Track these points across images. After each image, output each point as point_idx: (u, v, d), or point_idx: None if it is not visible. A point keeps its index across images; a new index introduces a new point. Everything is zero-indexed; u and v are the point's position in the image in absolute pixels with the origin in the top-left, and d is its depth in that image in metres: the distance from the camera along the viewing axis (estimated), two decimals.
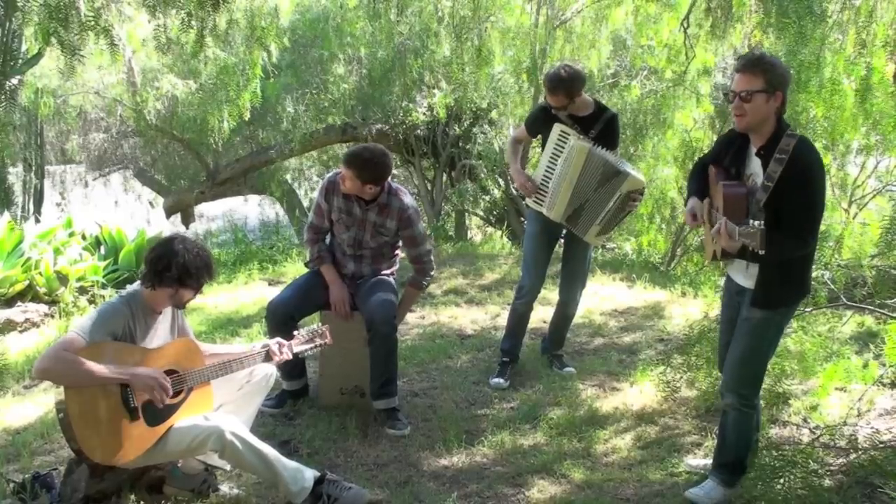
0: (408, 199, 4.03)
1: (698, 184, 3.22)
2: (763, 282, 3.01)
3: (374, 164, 3.81)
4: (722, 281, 3.33)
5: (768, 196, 2.87)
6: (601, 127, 4.29)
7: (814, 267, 3.22)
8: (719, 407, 3.43)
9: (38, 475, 3.14)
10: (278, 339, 3.42)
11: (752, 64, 2.89)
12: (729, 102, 3.00)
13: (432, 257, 4.18)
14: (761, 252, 2.76)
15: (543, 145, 4.37)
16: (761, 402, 3.97)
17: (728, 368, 3.17)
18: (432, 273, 4.23)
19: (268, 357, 3.34)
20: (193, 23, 4.99)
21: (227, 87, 8.13)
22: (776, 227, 2.84)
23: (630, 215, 4.67)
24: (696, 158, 8.82)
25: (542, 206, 4.32)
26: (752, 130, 2.97)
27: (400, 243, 4.18)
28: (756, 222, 2.78)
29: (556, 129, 4.22)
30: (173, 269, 3.02)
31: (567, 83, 4.15)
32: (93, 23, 4.50)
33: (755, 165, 2.97)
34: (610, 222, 4.29)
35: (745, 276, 3.09)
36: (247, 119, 8.46)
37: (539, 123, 4.43)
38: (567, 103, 4.21)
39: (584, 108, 4.32)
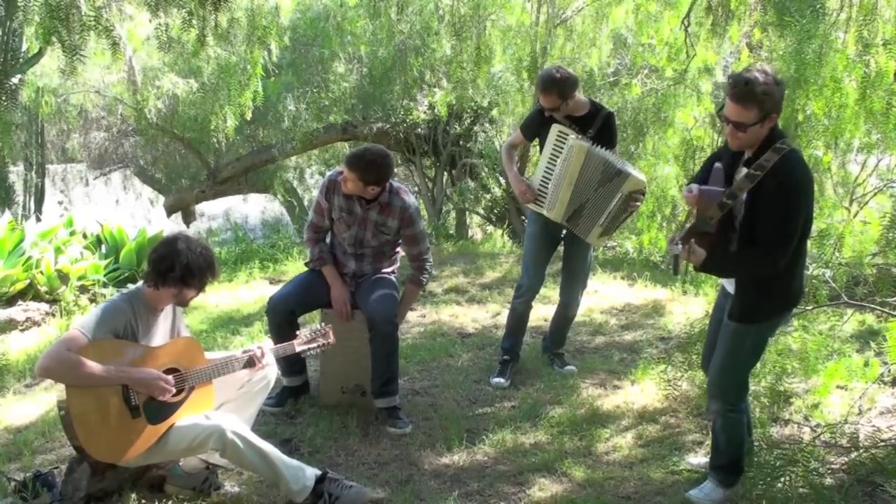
0: (409, 199, 4.03)
1: (702, 173, 3.22)
2: (739, 295, 2.99)
3: (376, 165, 3.81)
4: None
5: (747, 209, 2.83)
6: (599, 125, 4.29)
7: (815, 265, 3.21)
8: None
9: (40, 474, 3.14)
10: (259, 345, 3.40)
11: (745, 97, 2.75)
12: (723, 123, 2.91)
13: (430, 255, 4.19)
14: (675, 275, 2.79)
15: (541, 148, 4.36)
16: (763, 399, 3.99)
17: (711, 374, 3.17)
18: (431, 270, 4.23)
19: (249, 363, 3.29)
20: (195, 21, 4.99)
21: (228, 86, 8.12)
22: (751, 242, 2.84)
23: (631, 216, 4.67)
24: (696, 157, 8.88)
25: (542, 207, 4.32)
26: (747, 150, 2.95)
27: (401, 241, 4.19)
28: (678, 245, 2.78)
29: (554, 129, 4.21)
30: (177, 269, 3.02)
31: (560, 84, 4.15)
32: (94, 22, 4.50)
33: (742, 174, 2.97)
34: (612, 223, 4.28)
35: (731, 283, 3.09)
36: (248, 118, 8.46)
37: (535, 126, 4.43)
38: (559, 104, 4.20)
39: (579, 108, 4.31)
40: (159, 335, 3.18)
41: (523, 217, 9.46)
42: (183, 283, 3.06)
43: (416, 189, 11.50)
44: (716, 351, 3.12)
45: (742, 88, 2.77)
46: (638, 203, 4.25)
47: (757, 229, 2.82)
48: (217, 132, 8.79)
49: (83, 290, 6.74)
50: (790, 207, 2.78)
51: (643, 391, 4.41)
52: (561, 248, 4.66)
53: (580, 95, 4.33)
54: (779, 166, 2.78)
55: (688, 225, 2.85)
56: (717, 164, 3.05)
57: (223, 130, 8.59)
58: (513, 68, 9.01)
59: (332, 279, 4.07)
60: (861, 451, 3.38)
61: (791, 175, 2.79)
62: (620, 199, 4.15)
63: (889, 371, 4.26)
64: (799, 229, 2.82)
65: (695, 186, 3.10)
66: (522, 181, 4.40)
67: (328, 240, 4.22)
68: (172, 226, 12.99)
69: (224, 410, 3.25)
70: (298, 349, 3.49)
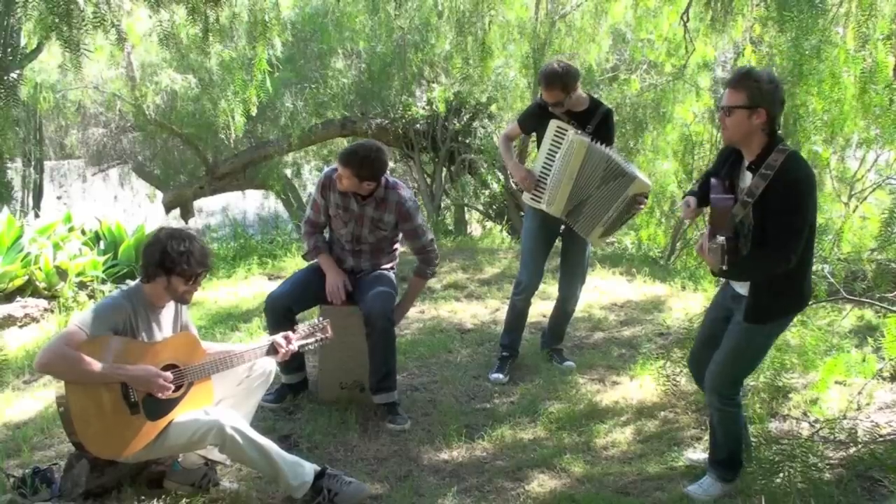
0: (405, 193, 4.02)
1: (700, 190, 3.25)
2: (754, 296, 3.00)
3: (370, 160, 3.80)
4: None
5: (755, 212, 2.87)
6: (597, 121, 4.28)
7: (814, 260, 3.21)
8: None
9: (39, 470, 3.14)
10: (284, 333, 3.42)
11: (737, 80, 2.91)
12: (721, 116, 3.03)
13: (435, 246, 4.18)
14: (723, 268, 2.85)
15: (539, 144, 4.35)
16: (762, 394, 3.99)
17: (711, 368, 3.17)
18: (437, 262, 4.21)
19: (273, 350, 3.34)
20: (196, 17, 4.96)
21: (231, 82, 8.10)
22: (762, 243, 2.88)
23: (633, 218, 4.67)
24: (695, 152, 8.90)
25: (540, 202, 4.30)
26: (736, 144, 2.99)
27: (399, 237, 4.18)
28: (720, 238, 2.83)
29: (553, 124, 4.21)
30: (158, 258, 3.02)
31: (563, 77, 4.14)
32: (94, 17, 4.47)
33: (747, 179, 2.98)
34: (614, 224, 4.27)
35: (742, 285, 3.10)
36: (253, 114, 8.44)
37: (534, 120, 4.42)
38: (563, 98, 4.19)
39: (579, 103, 4.31)
40: (161, 331, 3.17)
41: (522, 213, 9.46)
42: (167, 273, 3.03)
43: (415, 185, 11.49)
44: (722, 344, 3.13)
45: (737, 74, 2.97)
46: (641, 206, 4.24)
47: (767, 228, 2.86)
48: (226, 129, 8.77)
49: (82, 286, 6.74)
50: (799, 203, 2.84)
51: (642, 387, 4.42)
52: (559, 244, 4.66)
53: (580, 91, 4.33)
54: (785, 165, 2.84)
55: (714, 243, 2.90)
56: (714, 179, 3.08)
57: (230, 126, 8.57)
58: (513, 64, 9.01)
59: (328, 267, 4.06)
60: (859, 446, 3.39)
61: (798, 172, 2.86)
62: (625, 200, 4.14)
63: (887, 366, 4.26)
64: (808, 225, 2.88)
65: (692, 199, 3.16)
66: (523, 168, 4.40)
67: (326, 235, 4.22)
68: (170, 222, 12.96)
69: (223, 406, 3.25)
70: (297, 344, 3.47)
